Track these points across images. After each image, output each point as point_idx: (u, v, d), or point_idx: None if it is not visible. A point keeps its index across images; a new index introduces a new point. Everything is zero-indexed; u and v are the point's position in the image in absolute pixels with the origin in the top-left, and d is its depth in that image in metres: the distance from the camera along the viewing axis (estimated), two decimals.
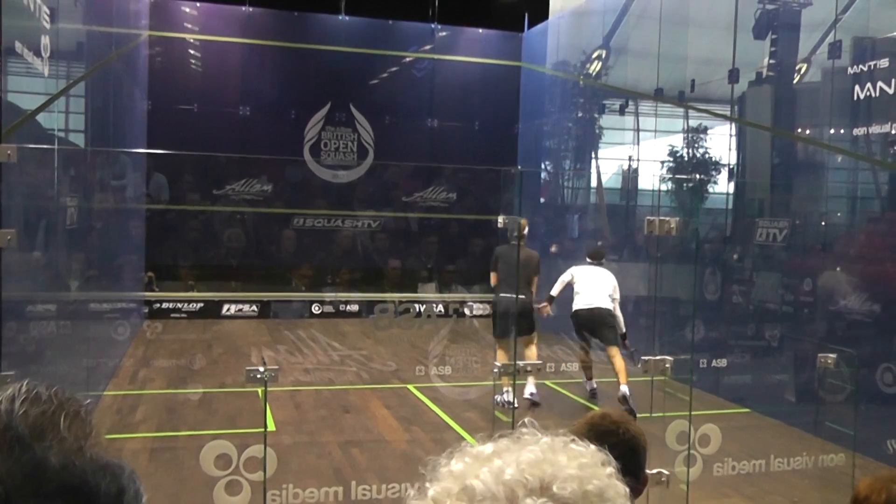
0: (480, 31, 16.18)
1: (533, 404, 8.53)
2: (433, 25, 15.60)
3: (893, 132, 7.59)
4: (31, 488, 0.82)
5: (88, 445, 0.89)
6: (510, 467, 0.81)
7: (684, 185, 11.50)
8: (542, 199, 15.03)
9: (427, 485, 0.85)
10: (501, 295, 8.49)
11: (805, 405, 8.01)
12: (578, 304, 8.86)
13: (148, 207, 13.56)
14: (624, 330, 8.92)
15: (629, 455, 2.33)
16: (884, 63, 7.61)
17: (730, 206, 10.56)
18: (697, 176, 11.34)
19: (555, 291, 9.11)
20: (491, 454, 0.84)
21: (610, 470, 0.85)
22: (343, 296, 14.02)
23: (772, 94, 9.73)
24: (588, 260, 9.28)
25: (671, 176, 11.87)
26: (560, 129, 14.81)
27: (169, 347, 10.99)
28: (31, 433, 0.85)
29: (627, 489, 0.85)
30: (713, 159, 11.26)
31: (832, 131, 8.84)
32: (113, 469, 0.89)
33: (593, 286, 8.84)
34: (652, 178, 12.68)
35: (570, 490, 0.79)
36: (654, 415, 5.26)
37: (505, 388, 8.25)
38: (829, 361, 5.90)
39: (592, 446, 0.88)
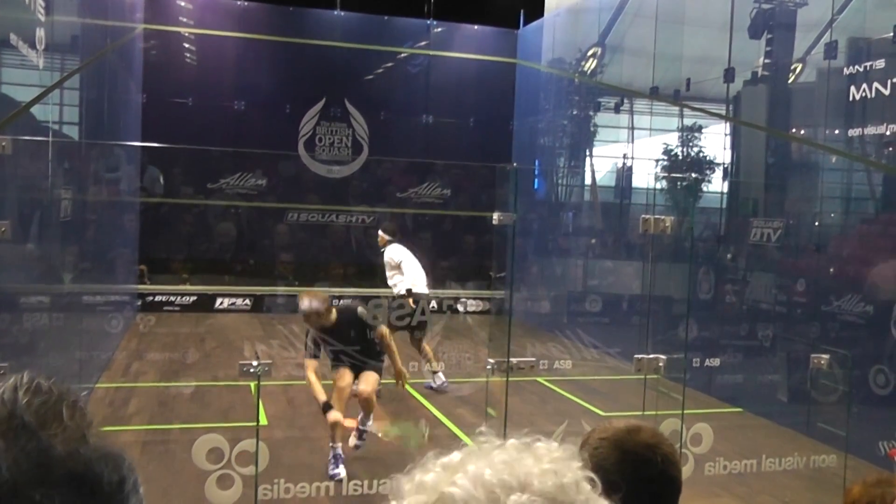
0: (476, 27, 16.16)
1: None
2: (429, 21, 15.57)
3: (888, 133, 7.60)
4: (37, 476, 0.82)
5: (90, 434, 0.90)
6: (487, 470, 0.81)
7: (679, 183, 11.51)
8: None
9: (394, 503, 0.84)
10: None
11: (797, 405, 8.04)
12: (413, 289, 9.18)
13: (142, 200, 13.54)
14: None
15: (668, 487, 1.90)
16: (879, 64, 7.62)
17: (724, 205, 10.57)
18: (692, 175, 11.35)
19: (409, 283, 9.31)
20: (460, 461, 0.84)
21: (579, 463, 0.86)
22: (336, 290, 14.00)
23: (767, 93, 9.75)
24: (398, 237, 9.68)
25: (666, 174, 11.88)
26: (555, 127, 14.80)
27: (162, 340, 10.96)
28: (36, 421, 0.86)
29: (599, 483, 0.86)
30: (708, 158, 11.28)
31: (827, 132, 8.85)
32: (114, 458, 0.90)
33: (419, 270, 9.33)
34: (646, 176, 12.70)
35: (550, 483, 0.80)
36: (646, 413, 5.27)
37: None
38: (822, 362, 5.92)
39: (554, 443, 0.88)
